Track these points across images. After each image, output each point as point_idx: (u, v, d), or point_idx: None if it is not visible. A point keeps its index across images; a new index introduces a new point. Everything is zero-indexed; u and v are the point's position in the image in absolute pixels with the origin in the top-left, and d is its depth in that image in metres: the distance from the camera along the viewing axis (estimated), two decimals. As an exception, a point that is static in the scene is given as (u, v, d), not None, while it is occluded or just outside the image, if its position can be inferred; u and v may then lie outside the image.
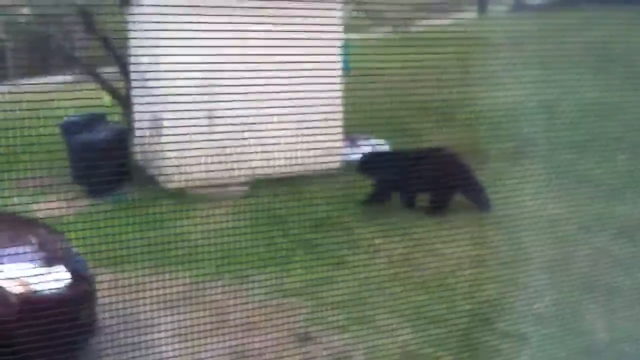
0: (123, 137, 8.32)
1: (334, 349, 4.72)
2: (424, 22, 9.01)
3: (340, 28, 8.72)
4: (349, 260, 6.03)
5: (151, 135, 8.55)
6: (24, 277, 4.19)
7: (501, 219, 6.58)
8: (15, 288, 4.12)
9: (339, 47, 8.60)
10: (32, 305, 4.18)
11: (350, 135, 9.06)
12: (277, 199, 7.59)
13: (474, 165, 7.86)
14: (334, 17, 8.58)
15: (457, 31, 8.90)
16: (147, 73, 8.64)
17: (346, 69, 8.87)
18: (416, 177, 7.23)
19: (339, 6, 8.71)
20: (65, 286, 4.32)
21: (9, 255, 4.37)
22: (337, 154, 8.61)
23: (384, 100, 9.84)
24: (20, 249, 4.54)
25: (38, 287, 4.22)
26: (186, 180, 7.99)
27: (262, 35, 8.03)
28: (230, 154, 8.03)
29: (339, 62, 8.59)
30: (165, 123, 8.01)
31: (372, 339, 4.76)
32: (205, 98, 7.92)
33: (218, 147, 8.00)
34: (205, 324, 4.97)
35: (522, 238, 5.36)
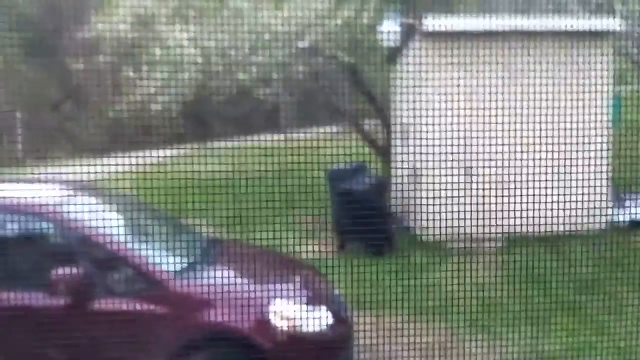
0: (382, 187, 8.62)
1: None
2: None
3: (610, 80, 8.28)
4: (612, 327, 5.61)
5: (409, 186, 8.77)
6: (291, 315, 4.46)
7: None
8: (282, 324, 4.39)
9: (608, 99, 8.15)
10: (295, 343, 4.41)
11: (618, 192, 8.48)
12: (535, 256, 7.31)
13: None
14: (604, 68, 8.19)
15: None
16: (408, 126, 8.93)
17: (615, 123, 8.37)
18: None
19: (609, 57, 8.31)
20: (326, 327, 4.52)
21: (278, 292, 4.69)
22: (603, 213, 8.11)
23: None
24: (289, 288, 4.87)
25: (302, 326, 4.45)
26: (441, 232, 8.02)
27: (526, 90, 7.94)
28: (487, 209, 7.95)
29: (607, 115, 8.14)
30: (423, 175, 8.19)
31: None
32: (466, 150, 7.98)
33: (475, 201, 7.98)
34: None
35: None
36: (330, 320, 4.60)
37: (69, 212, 4.57)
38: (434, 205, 8.07)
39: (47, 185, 5.19)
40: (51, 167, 9.21)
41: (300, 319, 4.49)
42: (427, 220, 8.17)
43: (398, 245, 8.06)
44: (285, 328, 4.41)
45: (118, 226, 4.93)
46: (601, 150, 8.14)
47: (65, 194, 4.99)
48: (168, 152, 12.94)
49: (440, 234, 8.05)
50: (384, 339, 5.43)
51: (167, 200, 7.59)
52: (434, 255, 7.60)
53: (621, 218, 8.28)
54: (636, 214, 8.48)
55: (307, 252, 7.34)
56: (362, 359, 4.84)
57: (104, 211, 5.09)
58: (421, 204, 8.26)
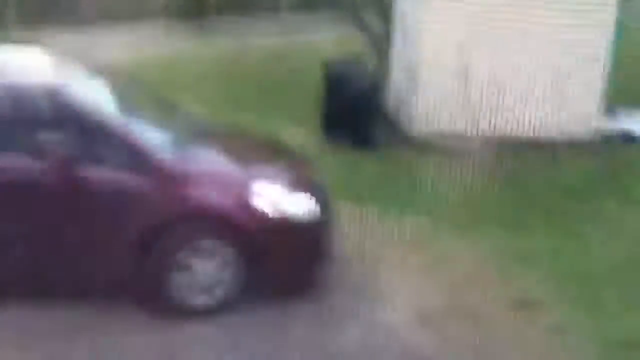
0: (376, 80, 8.52)
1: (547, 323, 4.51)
2: None
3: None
4: (585, 233, 5.75)
5: (404, 81, 8.72)
6: (276, 198, 4.50)
7: None
8: (266, 207, 4.44)
9: (614, 12, 7.99)
10: (279, 225, 4.47)
11: (612, 105, 8.44)
12: (523, 160, 7.39)
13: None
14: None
15: None
16: (409, 22, 8.75)
17: (620, 34, 8.22)
18: None
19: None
20: (310, 213, 4.57)
21: (264, 175, 4.73)
22: (594, 124, 8.12)
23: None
24: (275, 172, 4.91)
25: (287, 210, 4.50)
26: (430, 129, 8.07)
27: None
28: (480, 110, 7.94)
29: (611, 27, 7.99)
30: (421, 73, 8.12)
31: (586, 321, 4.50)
32: (466, 50, 7.88)
33: (470, 101, 7.96)
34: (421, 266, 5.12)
35: None
36: (313, 207, 4.65)
37: (61, 80, 4.57)
38: (427, 102, 8.09)
39: (40, 53, 5.15)
40: (43, 36, 9.12)
41: (283, 202, 4.53)
42: (419, 118, 8.19)
43: (386, 139, 8.08)
44: (267, 210, 4.46)
45: (108, 98, 4.94)
46: (600, 59, 8.07)
47: (59, 62, 4.96)
48: (163, 26, 12.74)
49: (431, 132, 8.11)
50: (364, 229, 5.60)
51: (156, 74, 7.57)
52: (421, 152, 7.64)
53: (611, 130, 8.29)
54: (629, 128, 8.49)
55: (295, 137, 7.42)
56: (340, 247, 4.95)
57: (95, 83, 5.07)
58: (416, 100, 8.25)
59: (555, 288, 4.85)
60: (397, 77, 9.12)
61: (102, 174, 4.31)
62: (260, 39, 10.75)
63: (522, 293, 4.77)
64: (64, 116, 4.38)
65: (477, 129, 7.90)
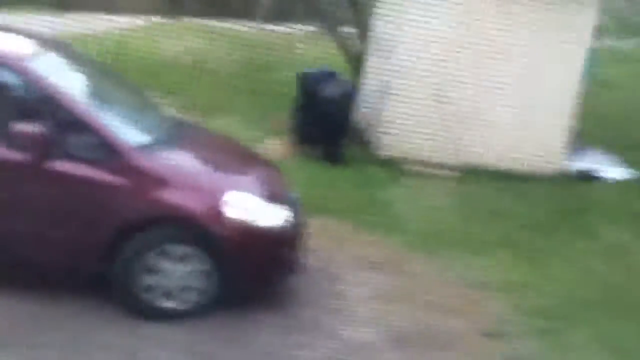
0: (349, 97, 8.52)
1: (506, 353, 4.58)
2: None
3: (590, 34, 8.30)
4: (549, 267, 5.87)
5: (376, 101, 8.76)
6: (249, 207, 4.46)
7: None
8: (238, 215, 4.39)
9: (585, 53, 8.22)
10: (251, 235, 4.42)
11: (576, 143, 8.67)
12: (487, 189, 7.51)
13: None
14: (586, 22, 8.21)
15: None
16: (386, 40, 8.81)
17: (589, 76, 8.46)
18: None
19: (592, 13, 8.30)
20: (281, 225, 4.55)
21: (235, 183, 4.70)
22: (559, 159, 8.31)
23: (624, 113, 9.20)
24: (249, 180, 4.88)
25: (259, 220, 4.46)
26: (399, 151, 8.13)
27: (507, 24, 7.93)
28: (450, 136, 8.04)
29: (580, 67, 8.22)
30: (393, 92, 8.17)
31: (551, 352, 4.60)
32: (437, 76, 7.97)
33: (439, 127, 8.05)
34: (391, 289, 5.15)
35: None
36: (285, 218, 4.63)
37: (36, 66, 4.43)
38: (397, 124, 8.14)
39: (14, 35, 4.99)
40: (16, 17, 8.90)
41: (257, 212, 4.49)
42: (388, 137, 8.24)
43: (355, 156, 8.11)
44: (240, 219, 4.41)
45: (85, 89, 4.83)
46: (567, 99, 8.28)
47: (34, 47, 4.81)
48: (138, 21, 12.54)
49: (397, 153, 8.17)
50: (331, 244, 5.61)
51: (131, 69, 7.43)
52: (388, 173, 7.71)
53: (573, 167, 8.50)
54: (590, 166, 8.70)
55: (266, 148, 7.40)
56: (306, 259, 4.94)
57: (71, 71, 4.95)
58: (385, 121, 8.29)
59: (520, 320, 4.92)
60: (369, 96, 9.18)
61: (69, 164, 4.20)
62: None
63: (485, 323, 4.83)
64: (29, 96, 4.29)
65: (445, 155, 8.02)
